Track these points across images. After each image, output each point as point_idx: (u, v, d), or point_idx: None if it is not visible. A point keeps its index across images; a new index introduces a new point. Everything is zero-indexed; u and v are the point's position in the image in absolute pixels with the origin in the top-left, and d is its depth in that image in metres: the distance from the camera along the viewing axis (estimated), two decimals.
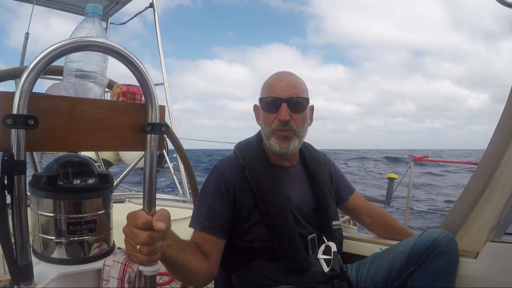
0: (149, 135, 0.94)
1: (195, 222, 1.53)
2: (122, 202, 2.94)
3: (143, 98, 0.96)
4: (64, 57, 0.91)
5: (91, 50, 0.85)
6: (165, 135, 1.10)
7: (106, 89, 1.08)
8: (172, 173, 4.23)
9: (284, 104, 1.53)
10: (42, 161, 4.43)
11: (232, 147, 1.77)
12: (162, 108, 0.97)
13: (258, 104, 1.68)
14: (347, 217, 2.21)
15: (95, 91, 0.97)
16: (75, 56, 0.95)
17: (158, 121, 0.94)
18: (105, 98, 1.04)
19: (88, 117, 0.89)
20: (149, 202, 0.96)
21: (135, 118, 0.95)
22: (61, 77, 1.01)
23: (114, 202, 2.79)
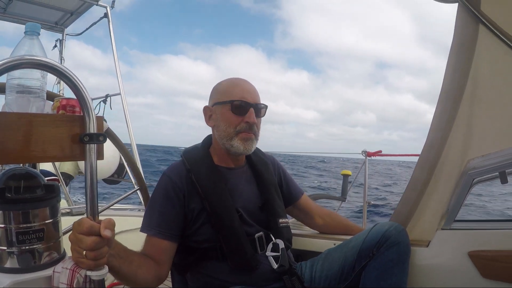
0: (87, 145, 0.98)
1: (146, 228, 1.56)
2: (83, 214, 2.93)
3: None
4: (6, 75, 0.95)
5: (28, 67, 0.89)
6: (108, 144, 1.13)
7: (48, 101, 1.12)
8: (133, 182, 4.20)
9: (252, 109, 1.62)
10: None
11: None
12: (99, 119, 1.01)
13: (209, 106, 1.72)
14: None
15: (36, 105, 1.01)
16: (16, 73, 0.99)
17: (95, 131, 0.99)
18: (47, 111, 1.08)
19: (30, 131, 0.93)
20: (92, 210, 1.00)
21: (74, 130, 0.99)
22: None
23: (74, 215, 2.78)
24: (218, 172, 1.68)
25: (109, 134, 1.69)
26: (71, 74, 0.93)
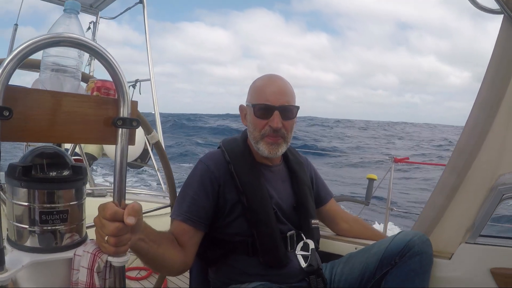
0: (120, 129, 0.97)
1: (176, 212, 1.56)
2: (104, 196, 2.96)
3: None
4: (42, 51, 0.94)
5: (66, 45, 0.88)
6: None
7: (82, 83, 1.11)
8: (156, 169, 4.23)
9: (277, 112, 1.59)
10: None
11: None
12: (134, 104, 1.00)
13: (244, 105, 1.73)
14: None
15: (70, 85, 0.99)
16: (52, 50, 0.97)
17: (129, 116, 0.97)
18: (81, 92, 1.07)
19: (62, 110, 0.92)
20: (119, 195, 0.99)
21: (108, 113, 0.98)
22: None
23: (96, 196, 2.80)
24: (257, 168, 1.68)
25: (157, 146, 1.71)
26: (108, 55, 0.91)
